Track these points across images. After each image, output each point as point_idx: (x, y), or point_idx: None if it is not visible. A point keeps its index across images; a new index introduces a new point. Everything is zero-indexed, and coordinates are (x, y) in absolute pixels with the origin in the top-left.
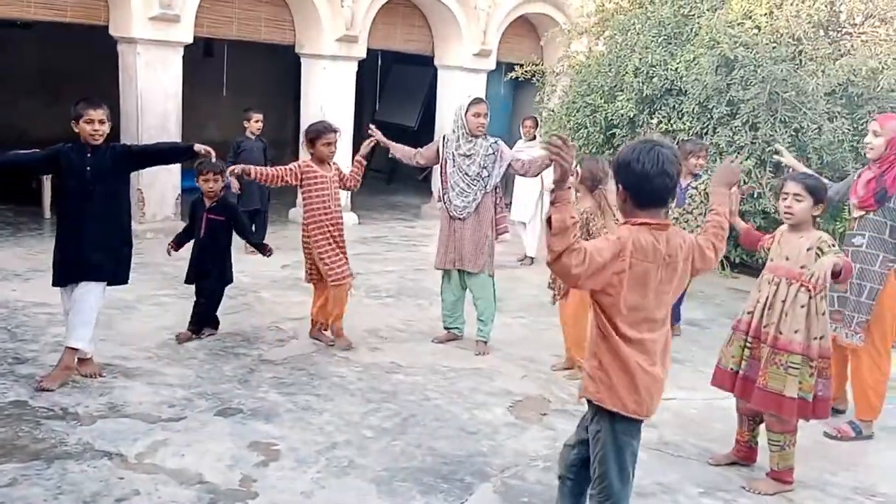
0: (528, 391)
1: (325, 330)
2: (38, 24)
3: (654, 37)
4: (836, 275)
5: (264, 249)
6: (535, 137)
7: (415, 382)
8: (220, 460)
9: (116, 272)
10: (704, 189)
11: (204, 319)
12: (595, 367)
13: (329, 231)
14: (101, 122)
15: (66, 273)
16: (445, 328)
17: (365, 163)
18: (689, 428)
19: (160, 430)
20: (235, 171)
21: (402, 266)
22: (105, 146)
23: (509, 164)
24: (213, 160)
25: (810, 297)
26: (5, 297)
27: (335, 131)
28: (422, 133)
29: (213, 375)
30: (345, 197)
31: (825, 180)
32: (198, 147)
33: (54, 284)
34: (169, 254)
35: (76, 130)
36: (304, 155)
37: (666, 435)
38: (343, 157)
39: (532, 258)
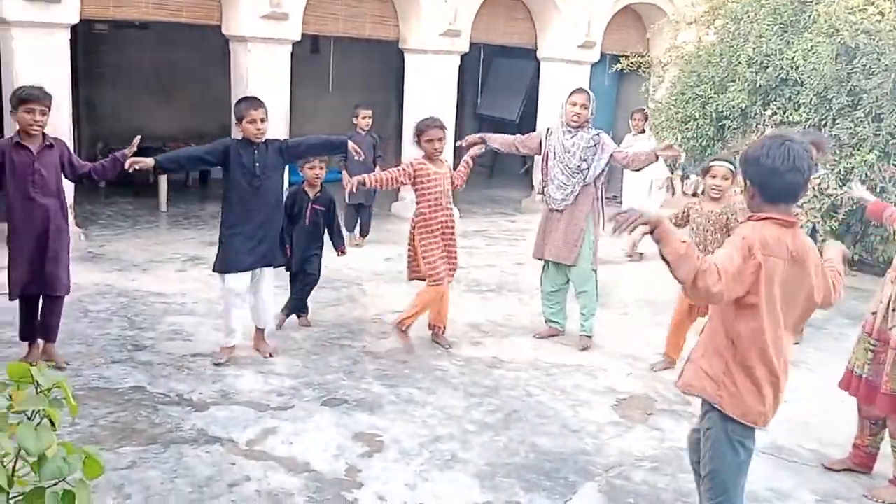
0: (632, 389)
1: (441, 333)
2: (154, 25)
3: (769, 25)
4: None
5: (340, 249)
6: (643, 131)
7: (517, 378)
8: (327, 450)
9: (279, 257)
10: (819, 183)
11: (302, 306)
12: (721, 370)
13: (440, 228)
14: (262, 120)
15: (240, 261)
16: (546, 321)
17: (472, 164)
18: (803, 432)
19: (269, 417)
20: (353, 185)
21: (503, 260)
22: (266, 142)
23: (611, 156)
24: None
25: None
26: (125, 287)
27: (438, 128)
28: (523, 126)
29: (319, 366)
30: None
31: None
32: (351, 145)
33: (224, 271)
34: (285, 254)
35: (239, 131)
36: (414, 151)
37: (779, 439)
38: (446, 154)
39: (641, 253)
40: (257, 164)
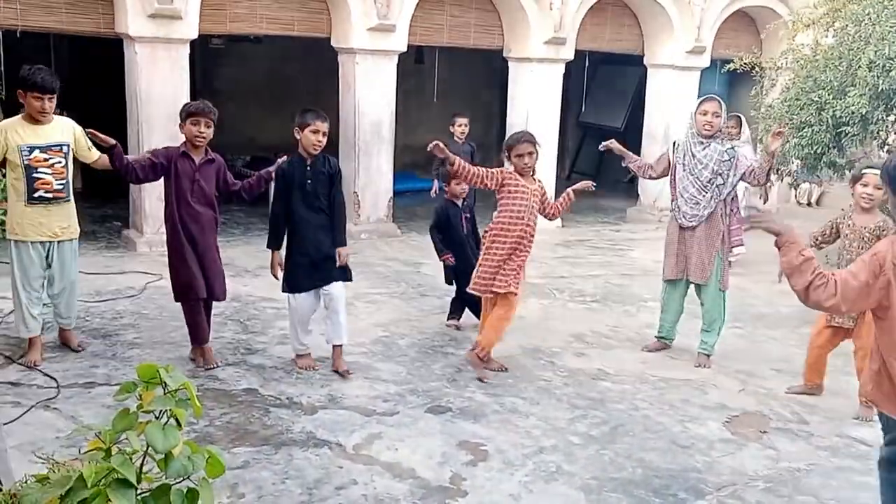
0: (745, 406)
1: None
2: (267, 39)
3: (892, 27)
4: None
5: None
6: (738, 137)
7: (623, 391)
8: (431, 457)
9: (346, 273)
10: None
11: (473, 306)
12: (875, 370)
13: (514, 241)
14: (325, 133)
15: (308, 278)
16: (657, 337)
17: (573, 199)
18: None
19: (375, 423)
20: (439, 147)
21: (607, 270)
22: (320, 156)
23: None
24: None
25: None
26: (237, 292)
27: (528, 142)
28: (628, 135)
29: (423, 373)
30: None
31: None
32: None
33: (293, 290)
34: (450, 264)
35: (298, 137)
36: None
37: None
38: (548, 161)
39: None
40: (309, 182)
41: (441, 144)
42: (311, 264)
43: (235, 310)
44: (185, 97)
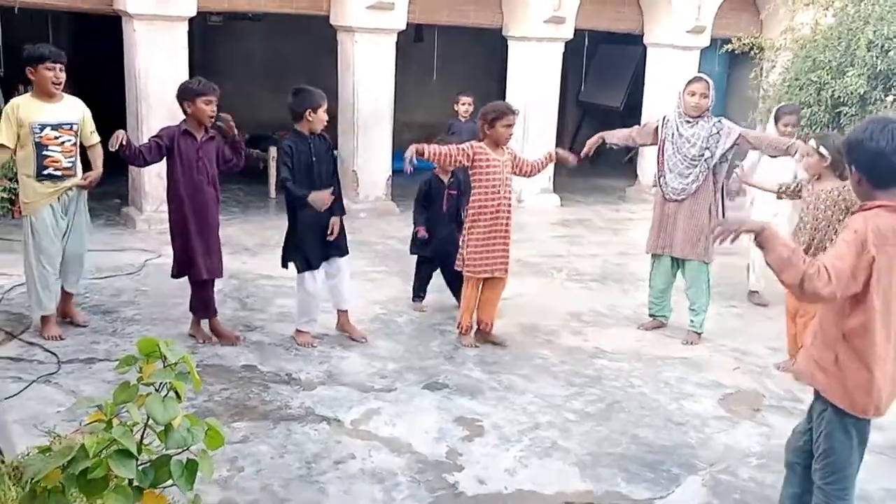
0: (739, 384)
1: (489, 331)
2: (266, 16)
3: (891, 7)
4: None
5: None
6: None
7: (619, 368)
8: (428, 432)
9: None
10: None
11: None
12: (831, 361)
13: (494, 218)
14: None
15: (318, 253)
16: (651, 315)
17: (553, 159)
18: None
19: (373, 399)
20: (409, 153)
21: (606, 250)
22: (320, 135)
23: (739, 137)
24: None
25: None
26: (236, 269)
27: (515, 113)
28: (627, 114)
29: (421, 350)
30: (547, 178)
31: None
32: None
33: (310, 268)
34: (422, 238)
35: (309, 118)
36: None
37: (894, 438)
38: (547, 140)
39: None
40: (315, 159)
41: (413, 152)
42: (321, 239)
43: (234, 287)
44: (184, 75)
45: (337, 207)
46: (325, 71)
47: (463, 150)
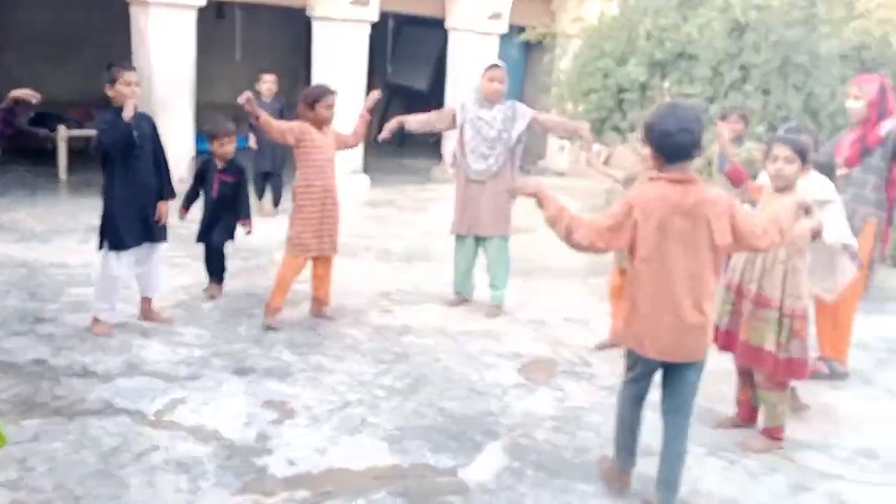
0: (536, 353)
1: (324, 305)
2: None
3: (667, 0)
4: (815, 235)
5: (247, 225)
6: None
7: (425, 344)
8: (237, 418)
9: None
10: (747, 157)
11: (222, 272)
12: (627, 310)
13: (321, 198)
14: (138, 84)
15: (134, 234)
16: (456, 293)
17: (368, 118)
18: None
19: (178, 388)
20: (250, 101)
21: (412, 229)
22: (139, 111)
23: (532, 119)
24: (228, 124)
25: (788, 257)
26: (24, 258)
27: (335, 93)
28: (433, 96)
29: (228, 335)
30: (358, 159)
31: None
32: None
33: (120, 248)
34: (181, 218)
35: (123, 91)
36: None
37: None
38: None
39: None
40: (136, 134)
41: (252, 97)
42: (142, 218)
43: (22, 276)
44: None
45: (167, 189)
46: (118, 45)
47: (292, 127)
